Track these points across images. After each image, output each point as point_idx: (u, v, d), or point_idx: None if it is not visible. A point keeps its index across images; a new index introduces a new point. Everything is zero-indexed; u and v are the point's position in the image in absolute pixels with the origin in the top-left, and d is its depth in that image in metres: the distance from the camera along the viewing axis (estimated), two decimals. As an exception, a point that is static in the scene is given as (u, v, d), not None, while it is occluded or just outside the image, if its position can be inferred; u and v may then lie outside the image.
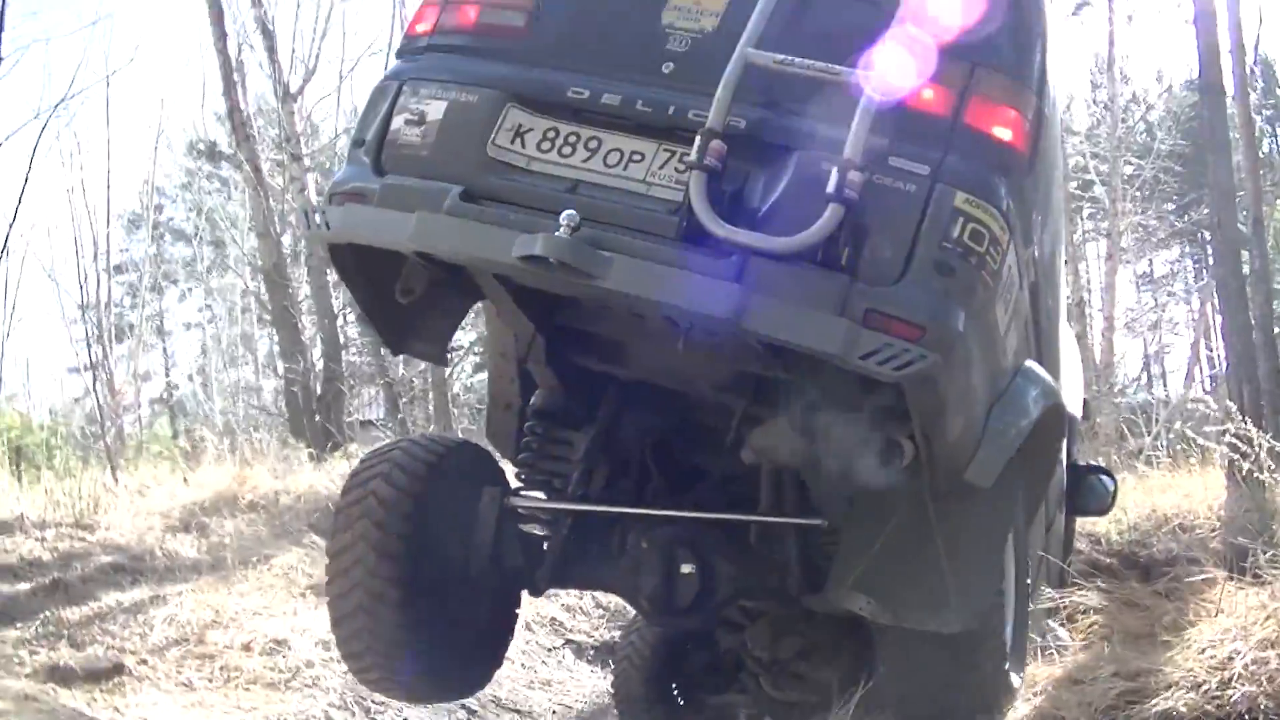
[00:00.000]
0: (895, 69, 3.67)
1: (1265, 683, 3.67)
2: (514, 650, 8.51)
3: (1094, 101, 32.54)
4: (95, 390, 25.44)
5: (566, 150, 3.96)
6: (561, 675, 8.79)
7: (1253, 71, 21.72)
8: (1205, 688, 3.75)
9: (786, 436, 4.27)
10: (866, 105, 3.59)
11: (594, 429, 4.76)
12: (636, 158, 3.90)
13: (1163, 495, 10.50)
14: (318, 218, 4.26)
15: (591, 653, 9.28)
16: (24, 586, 8.44)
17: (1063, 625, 4.97)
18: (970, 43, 3.86)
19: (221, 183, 34.25)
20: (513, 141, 4.00)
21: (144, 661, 7.17)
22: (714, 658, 5.95)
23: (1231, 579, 4.87)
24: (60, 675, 6.56)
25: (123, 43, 68.57)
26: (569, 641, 9.37)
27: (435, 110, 4.10)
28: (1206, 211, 23.74)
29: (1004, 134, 3.82)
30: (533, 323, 4.59)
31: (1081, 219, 27.29)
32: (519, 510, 4.81)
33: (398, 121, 4.14)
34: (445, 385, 19.38)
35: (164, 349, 45.51)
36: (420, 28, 4.41)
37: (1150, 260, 43.00)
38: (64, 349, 38.41)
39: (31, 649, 7.21)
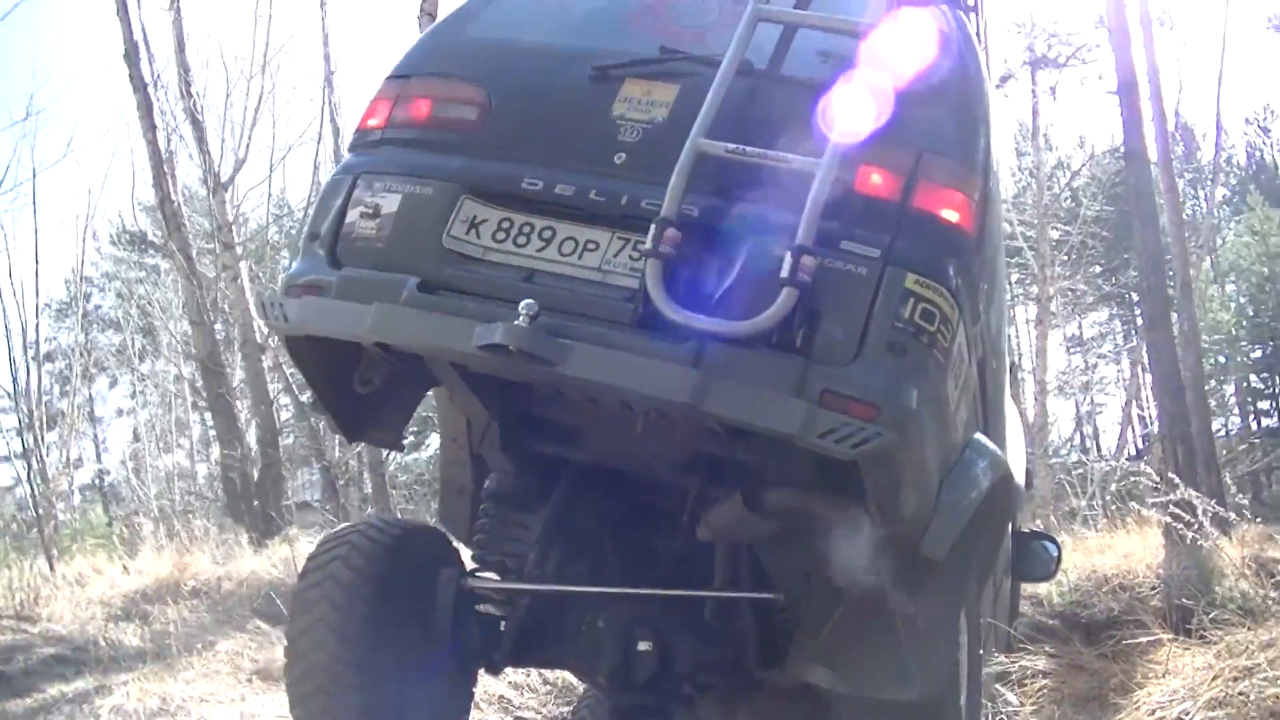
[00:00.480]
0: (845, 155, 3.78)
1: None
2: None
3: (1019, 169, 33.15)
4: (30, 479, 25.23)
5: (521, 240, 4.00)
6: None
7: (1174, 136, 22.25)
8: None
9: (742, 516, 4.31)
10: (817, 192, 3.68)
11: (548, 511, 4.77)
12: (591, 246, 3.94)
13: (1101, 556, 10.66)
14: (275, 310, 4.27)
15: None
16: (-34, 680, 8.48)
17: (1012, 690, 5.00)
18: (917, 129, 3.97)
19: (151, 270, 34.23)
20: (468, 232, 4.04)
21: (90, 754, 7.08)
22: None
23: (1176, 640, 4.95)
24: None
25: (53, 137, 68.61)
26: (517, 719, 9.28)
27: (390, 203, 4.14)
28: (1134, 274, 24.18)
29: (951, 216, 3.90)
30: (487, 409, 4.60)
31: (1010, 284, 27.73)
32: (476, 591, 4.79)
33: (353, 214, 4.18)
34: (382, 466, 19.30)
35: (95, 436, 45.02)
36: (373, 121, 4.46)
37: (1080, 323, 43.64)
38: (-8, 438, 37.96)
39: (-25, 743, 7.22)
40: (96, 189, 62.88)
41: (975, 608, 4.77)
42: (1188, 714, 4.02)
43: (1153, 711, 4.16)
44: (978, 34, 4.93)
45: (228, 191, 19.48)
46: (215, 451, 19.43)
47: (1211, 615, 5.23)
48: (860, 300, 3.68)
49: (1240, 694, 3.99)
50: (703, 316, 3.62)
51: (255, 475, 17.44)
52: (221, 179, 19.28)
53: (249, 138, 20.83)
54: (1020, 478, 7.02)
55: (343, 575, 4.38)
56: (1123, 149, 15.14)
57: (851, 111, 3.80)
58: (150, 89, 18.31)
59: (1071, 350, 45.57)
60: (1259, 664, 4.10)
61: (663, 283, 3.67)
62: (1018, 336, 31.29)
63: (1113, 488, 18.39)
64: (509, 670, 9.05)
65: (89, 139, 74.57)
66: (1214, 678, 4.18)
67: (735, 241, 3.80)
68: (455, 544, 5.03)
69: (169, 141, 19.74)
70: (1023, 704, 4.69)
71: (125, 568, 13.27)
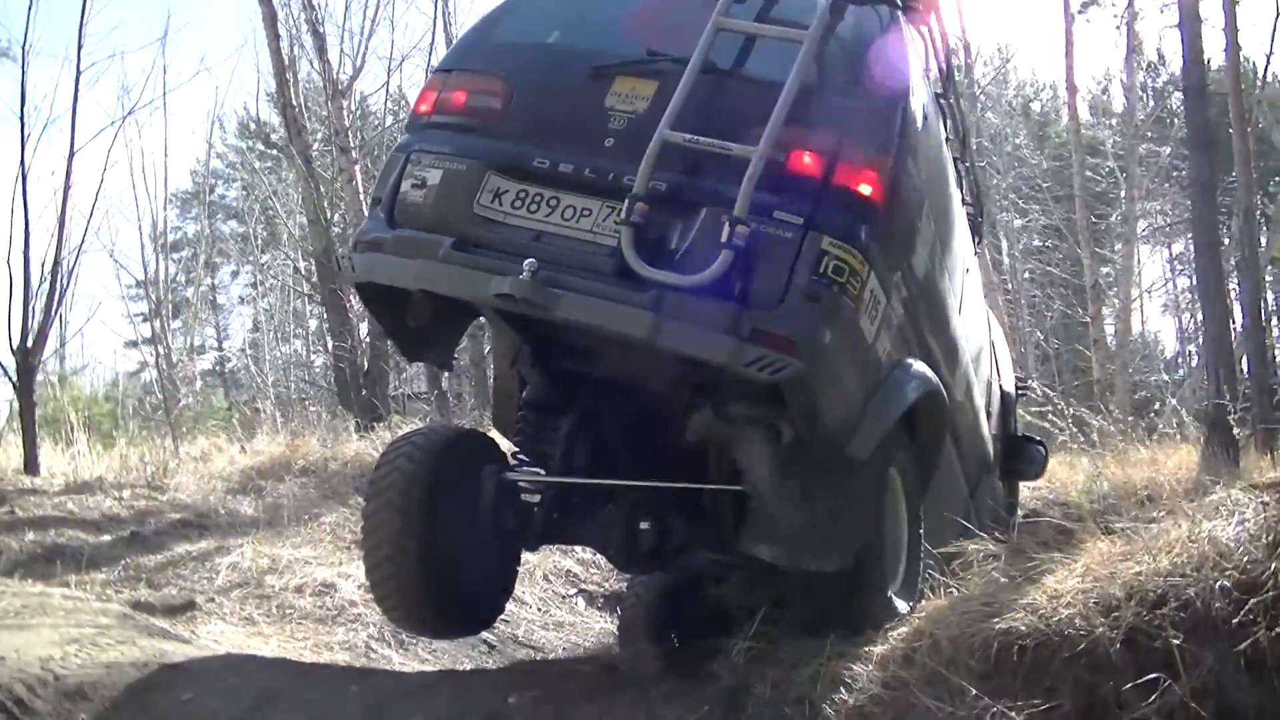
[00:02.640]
0: (780, 141, 4.79)
1: (1084, 606, 4.63)
2: (531, 597, 9.63)
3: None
4: (156, 364, 26.59)
5: (533, 207, 5.06)
6: (573, 619, 9.72)
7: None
8: (1040, 611, 4.66)
9: (711, 422, 5.36)
10: (751, 173, 4.69)
11: (571, 416, 5.75)
12: (586, 213, 5.00)
13: (1136, 469, 11.34)
14: (346, 262, 5.50)
15: (601, 601, 10.20)
16: (106, 538, 9.60)
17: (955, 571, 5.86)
18: (840, 118, 4.98)
19: (274, 161, 35.02)
20: (493, 201, 5.12)
21: (212, 600, 8.19)
22: (705, 606, 6.66)
23: (1105, 535, 5.62)
24: (142, 609, 7.51)
25: (186, 51, 70.71)
26: (581, 590, 10.29)
27: (434, 176, 5.23)
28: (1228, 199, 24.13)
29: (865, 190, 4.85)
30: (518, 334, 5.68)
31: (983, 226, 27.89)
32: (513, 482, 5.72)
33: (405, 185, 5.28)
34: (484, 362, 20.20)
35: (217, 323, 46.31)
36: (423, 108, 5.56)
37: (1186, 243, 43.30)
38: (120, 323, 39.44)
39: (116, 589, 8.31)
40: (224, 88, 64.42)
41: (916, 499, 5.77)
42: (1066, 584, 4.85)
43: (1046, 587, 5.01)
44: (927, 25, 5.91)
45: (345, 98, 20.29)
46: (330, 344, 20.32)
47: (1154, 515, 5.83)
48: (785, 258, 4.71)
49: (1110, 572, 4.86)
50: (662, 271, 4.69)
51: (364, 366, 18.27)
52: (339, 86, 20.09)
53: (366, 46, 21.72)
54: (1010, 387, 8.03)
55: (406, 468, 5.50)
56: (1181, 82, 15.53)
57: (789, 104, 4.81)
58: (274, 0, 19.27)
59: (1179, 270, 45.14)
60: (1136, 549, 4.98)
61: (634, 244, 4.73)
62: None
63: (1172, 402, 18.76)
64: (576, 549, 10.13)
65: (218, 53, 76.30)
66: (1103, 559, 5.04)
67: (694, 210, 4.84)
68: (499, 444, 6.09)
69: (291, 48, 20.77)
70: (967, 579, 5.53)
71: (243, 447, 14.28)
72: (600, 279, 4.79)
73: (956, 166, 6.78)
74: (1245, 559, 4.52)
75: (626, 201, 4.78)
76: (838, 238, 4.75)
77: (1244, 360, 15.40)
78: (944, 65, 6.32)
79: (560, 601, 10.02)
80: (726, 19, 5.14)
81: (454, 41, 6.65)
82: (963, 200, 6.86)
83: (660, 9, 5.52)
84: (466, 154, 5.25)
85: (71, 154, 13.04)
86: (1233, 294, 18.81)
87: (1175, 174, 28.85)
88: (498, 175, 5.16)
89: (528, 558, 9.38)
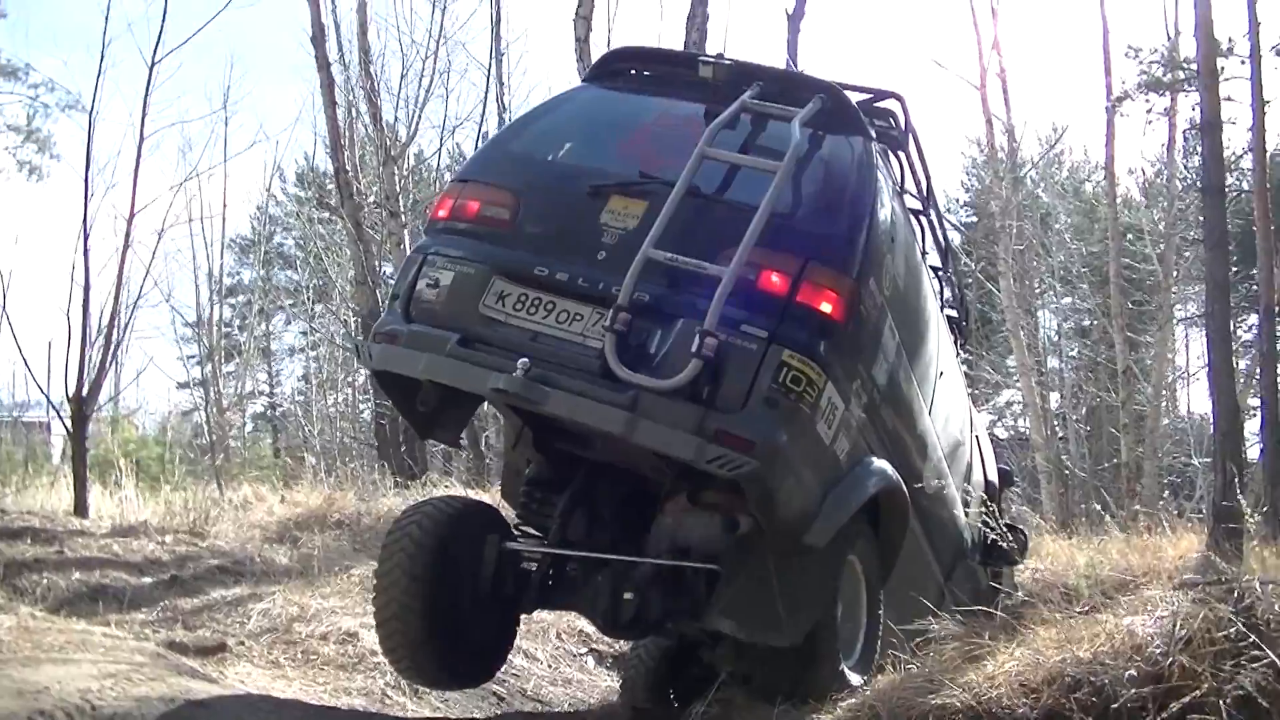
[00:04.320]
0: (750, 263, 5.36)
1: (1010, 687, 5.04)
2: (543, 654, 10.04)
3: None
4: (206, 410, 27.34)
5: (532, 310, 5.64)
6: (581, 677, 10.07)
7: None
8: (975, 690, 5.06)
9: (686, 506, 5.95)
10: (721, 290, 5.25)
11: (568, 493, 6.30)
12: (578, 318, 5.56)
13: (1141, 556, 11.65)
14: (364, 351, 6.09)
15: (610, 660, 10.54)
16: (147, 580, 10.11)
17: (913, 649, 6.29)
18: (806, 241, 5.54)
19: (330, 212, 35.79)
20: (496, 302, 5.70)
21: (242, 643, 8.61)
22: (699, 669, 7.08)
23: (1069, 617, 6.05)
24: (176, 649, 7.93)
25: (245, 113, 72.78)
26: (591, 650, 10.66)
27: (446, 277, 5.83)
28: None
29: (826, 308, 5.40)
30: (520, 419, 6.28)
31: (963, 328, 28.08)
32: (513, 551, 6.35)
33: (421, 284, 5.87)
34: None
35: (269, 369, 46.81)
36: (441, 213, 6.16)
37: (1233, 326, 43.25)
38: (173, 365, 40.29)
39: (154, 629, 8.80)
40: (283, 143, 65.96)
41: (876, 584, 6.28)
42: (1003, 666, 5.20)
43: (984, 668, 5.47)
44: (900, 149, 6.55)
45: (397, 164, 21.02)
46: (374, 401, 20.93)
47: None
48: (749, 367, 5.27)
49: (1039, 659, 5.32)
50: (639, 375, 5.25)
51: (404, 424, 18.68)
52: (392, 153, 20.83)
53: (419, 114, 22.60)
54: (987, 477, 8.53)
55: (415, 534, 6.09)
56: (1200, 183, 15.93)
57: (761, 229, 5.39)
58: (333, 69, 20.04)
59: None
60: (1070, 638, 5.46)
61: (616, 349, 5.30)
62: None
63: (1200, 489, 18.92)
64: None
65: (276, 115, 78.33)
66: (1040, 645, 5.48)
67: (672, 320, 5.41)
68: (504, 515, 6.64)
69: (350, 112, 21.58)
70: (924, 658, 5.97)
71: (283, 498, 14.89)
72: (586, 378, 5.35)
73: (937, 276, 7.35)
74: (1156, 652, 4.97)
75: (612, 310, 5.34)
76: (798, 350, 5.30)
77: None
78: (925, 185, 6.89)
79: (570, 659, 10.37)
80: (711, 149, 5.74)
81: (475, 151, 7.22)
82: (943, 306, 7.41)
83: (656, 135, 6.15)
84: (476, 259, 5.84)
85: (131, 216, 13.74)
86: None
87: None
88: (502, 279, 5.74)
89: (541, 616, 9.89)
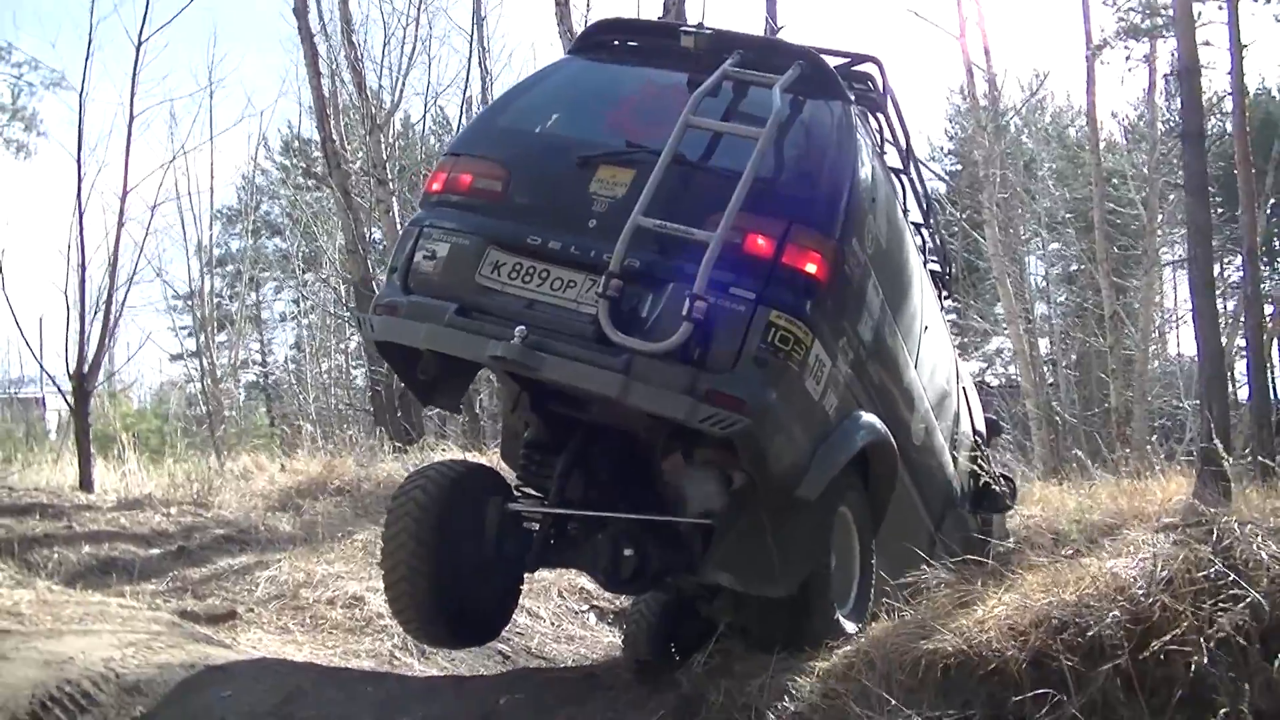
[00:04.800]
0: (736, 227, 5.50)
1: (999, 630, 5.20)
2: (546, 612, 10.28)
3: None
4: (201, 381, 27.45)
5: (527, 278, 5.79)
6: (584, 634, 10.29)
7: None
8: (965, 634, 5.23)
9: (681, 464, 6.13)
10: (709, 255, 5.40)
11: (566, 454, 6.41)
12: (571, 284, 5.71)
13: (1130, 499, 11.81)
14: (365, 323, 6.23)
15: (611, 617, 10.72)
16: (155, 551, 10.41)
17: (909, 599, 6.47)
18: (789, 205, 5.70)
19: (317, 181, 35.78)
20: (492, 272, 5.85)
21: (251, 610, 8.91)
22: (699, 622, 7.11)
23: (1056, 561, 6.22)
24: (189, 617, 8.22)
25: (232, 86, 73.20)
26: (593, 607, 10.86)
27: (442, 249, 5.99)
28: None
29: (810, 269, 5.56)
30: (518, 384, 6.41)
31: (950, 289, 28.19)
32: (514, 513, 6.45)
33: (418, 256, 6.03)
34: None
35: (261, 338, 46.70)
36: (435, 187, 6.30)
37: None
38: (166, 337, 40.32)
39: (165, 599, 9.06)
40: (268, 114, 66.08)
41: (869, 534, 6.48)
42: (992, 611, 5.32)
43: (973, 613, 5.65)
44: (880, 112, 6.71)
45: (383, 131, 21.13)
46: (368, 365, 21.05)
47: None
48: (738, 329, 5.43)
49: (1026, 602, 5.50)
50: (633, 338, 5.41)
51: (400, 390, 18.73)
52: (377, 121, 20.93)
53: (403, 82, 22.68)
54: (975, 427, 8.72)
55: (420, 499, 6.23)
56: (1180, 128, 16.02)
57: (745, 194, 5.54)
58: (315, 39, 20.14)
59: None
60: (1056, 581, 5.63)
61: (609, 314, 5.46)
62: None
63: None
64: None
65: (263, 86, 78.42)
66: (1027, 590, 5.66)
67: (663, 285, 5.57)
68: (504, 477, 6.79)
69: (333, 82, 21.62)
70: (917, 605, 6.14)
71: (283, 466, 15.12)
72: (581, 343, 5.52)
73: (920, 233, 7.52)
74: (1139, 592, 5.16)
75: (604, 276, 5.50)
76: (784, 311, 5.46)
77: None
78: (904, 144, 7.06)
79: (573, 616, 10.59)
80: (695, 117, 5.88)
81: (463, 125, 7.36)
82: (926, 261, 7.58)
83: (641, 104, 6.30)
84: (471, 230, 5.99)
85: (124, 195, 13.82)
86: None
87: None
88: (497, 249, 5.90)
89: (543, 575, 10.08)
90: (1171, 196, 26.64)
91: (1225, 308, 27.38)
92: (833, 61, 6.41)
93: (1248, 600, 5.02)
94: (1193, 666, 4.85)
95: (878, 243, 6.21)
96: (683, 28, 6.67)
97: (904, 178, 7.24)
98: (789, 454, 5.62)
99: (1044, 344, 34.72)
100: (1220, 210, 22.44)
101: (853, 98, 6.32)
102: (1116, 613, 5.09)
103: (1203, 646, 4.87)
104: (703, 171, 5.91)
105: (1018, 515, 11.57)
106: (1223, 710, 4.78)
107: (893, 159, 7.11)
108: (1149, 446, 18.37)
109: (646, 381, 5.39)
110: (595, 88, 6.62)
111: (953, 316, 43.20)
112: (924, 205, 7.74)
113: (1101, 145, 29.54)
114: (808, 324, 5.52)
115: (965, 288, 36.69)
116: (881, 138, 6.79)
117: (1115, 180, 30.91)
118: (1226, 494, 9.94)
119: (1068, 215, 34.24)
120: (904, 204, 7.07)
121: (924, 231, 7.79)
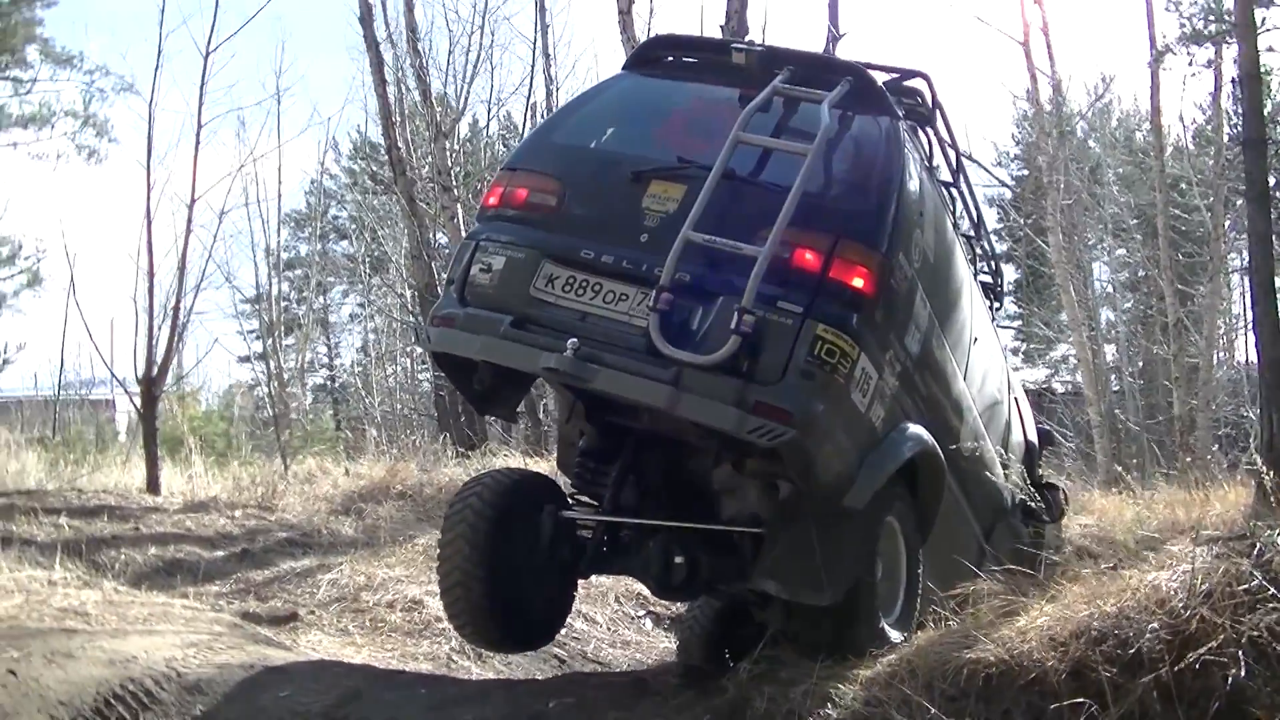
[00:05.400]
0: (784, 241, 5.61)
1: (1040, 641, 5.27)
2: (602, 617, 10.40)
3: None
4: (268, 384, 27.74)
5: (580, 291, 5.92)
6: (640, 639, 10.39)
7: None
8: (1008, 644, 5.29)
9: (732, 474, 6.24)
10: (758, 270, 5.51)
11: (619, 463, 6.56)
12: (624, 298, 5.83)
13: (1188, 509, 11.77)
14: (423, 334, 6.38)
15: (668, 623, 10.81)
16: (219, 554, 10.65)
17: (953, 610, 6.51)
18: (837, 220, 5.81)
19: (383, 187, 36.01)
20: (546, 285, 5.98)
21: (312, 612, 9.08)
22: (752, 629, 7.15)
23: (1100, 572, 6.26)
24: (251, 619, 8.41)
25: (299, 94, 74.13)
26: (650, 612, 10.96)
27: (498, 262, 6.12)
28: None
29: (857, 283, 5.66)
30: (572, 394, 6.55)
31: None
32: (569, 520, 6.59)
33: (475, 269, 6.17)
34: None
35: (328, 341, 47.35)
36: (491, 200, 6.46)
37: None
38: (232, 340, 40.81)
39: (228, 600, 9.28)
40: (335, 119, 66.83)
41: (916, 543, 6.55)
42: (1035, 622, 5.42)
43: (1020, 622, 5.72)
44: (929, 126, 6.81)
45: (448, 139, 21.31)
46: (432, 373, 21.23)
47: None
48: (785, 342, 5.54)
49: (1068, 613, 5.56)
50: (683, 351, 5.52)
51: (462, 396, 18.88)
52: (442, 129, 21.11)
53: (468, 90, 22.82)
54: (1027, 437, 8.75)
55: (476, 505, 6.40)
56: (1241, 136, 15.90)
57: (794, 209, 5.64)
58: (381, 47, 20.36)
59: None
60: (1098, 593, 5.68)
61: (660, 327, 5.57)
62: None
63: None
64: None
65: (329, 95, 79.32)
66: (1070, 601, 5.71)
67: (711, 299, 5.69)
68: (560, 485, 6.93)
69: (399, 89, 21.87)
70: (964, 616, 6.21)
71: (346, 470, 15.33)
72: (632, 356, 5.64)
73: (971, 245, 7.59)
74: (1178, 605, 5.19)
75: (655, 291, 5.63)
76: (831, 325, 5.57)
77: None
78: (954, 158, 7.14)
79: (629, 622, 10.71)
80: (745, 134, 5.99)
81: (522, 139, 7.49)
82: (977, 273, 7.65)
83: (693, 120, 6.44)
84: (525, 243, 6.13)
85: (192, 203, 14.11)
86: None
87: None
88: (551, 263, 6.03)
89: (601, 581, 10.19)
90: (1239, 203, 26.37)
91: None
92: (882, 77, 6.51)
93: (1283, 611, 5.03)
94: (1230, 679, 4.86)
95: (925, 256, 6.29)
96: (734, 44, 6.79)
97: (954, 190, 7.31)
98: (835, 465, 5.73)
99: (1110, 351, 34.55)
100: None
101: (901, 113, 6.41)
102: (1155, 625, 5.12)
103: (1240, 659, 4.89)
104: (752, 186, 6.02)
105: (1074, 525, 11.58)
106: (1260, 722, 4.80)
107: (943, 175, 7.18)
108: (1209, 456, 18.32)
109: (695, 393, 5.51)
110: (649, 103, 6.75)
111: (1018, 323, 43.08)
112: (975, 217, 7.81)
113: (1169, 150, 29.35)
114: (854, 337, 5.62)
115: (1029, 294, 36.52)
116: (931, 152, 6.87)
117: (1182, 185, 30.70)
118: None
119: (1134, 221, 34.01)
120: (954, 217, 7.14)
121: (974, 244, 7.86)
